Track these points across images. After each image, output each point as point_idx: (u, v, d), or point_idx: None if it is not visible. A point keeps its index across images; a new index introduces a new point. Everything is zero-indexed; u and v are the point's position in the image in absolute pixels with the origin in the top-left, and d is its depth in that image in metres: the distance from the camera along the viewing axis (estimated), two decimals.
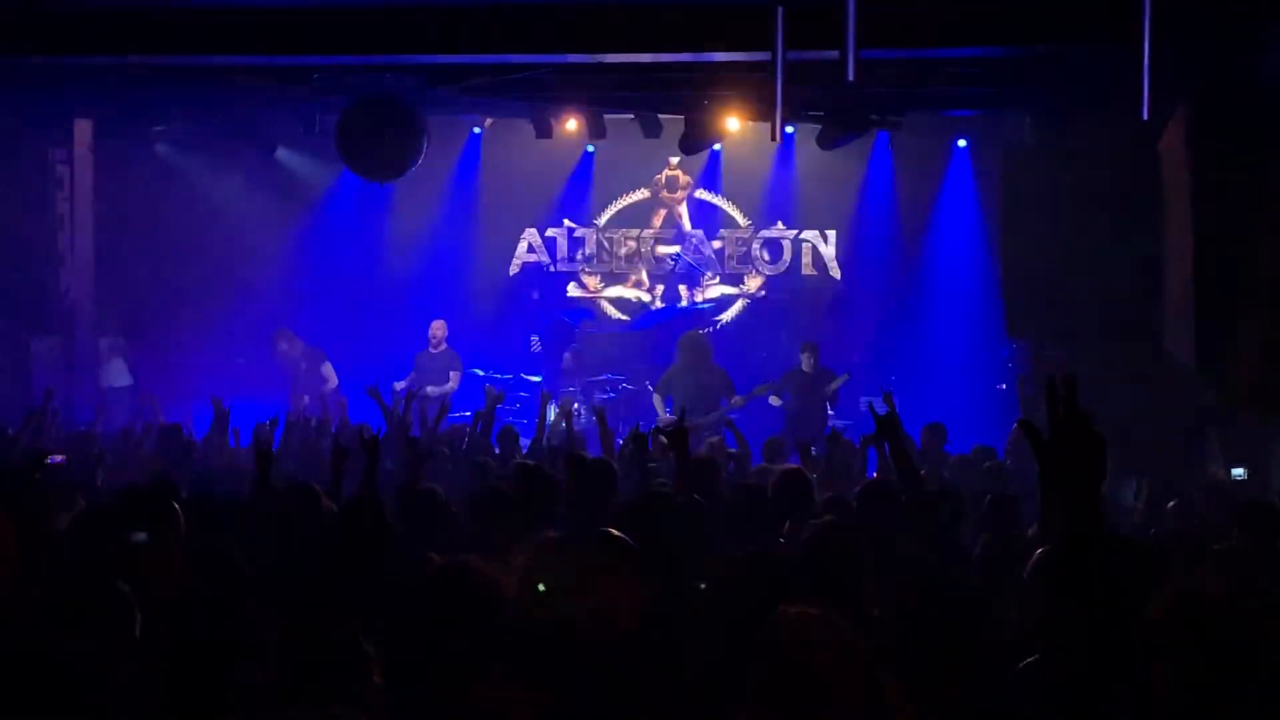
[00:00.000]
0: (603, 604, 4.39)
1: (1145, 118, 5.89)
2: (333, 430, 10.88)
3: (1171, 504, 8.67)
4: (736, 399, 13.50)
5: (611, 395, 15.19)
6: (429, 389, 13.92)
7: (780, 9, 6.70)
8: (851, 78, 5.49)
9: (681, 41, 10.24)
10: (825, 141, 14.16)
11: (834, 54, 6.07)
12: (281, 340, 15.14)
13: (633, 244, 17.46)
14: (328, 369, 14.92)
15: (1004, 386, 14.73)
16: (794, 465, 8.34)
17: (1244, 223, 7.98)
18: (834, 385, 13.50)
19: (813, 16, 6.81)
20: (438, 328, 15.41)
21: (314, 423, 11.24)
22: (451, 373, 15.09)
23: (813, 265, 17.27)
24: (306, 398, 14.07)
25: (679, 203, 17.43)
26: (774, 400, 13.59)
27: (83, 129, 14.66)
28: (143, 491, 6.57)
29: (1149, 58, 5.70)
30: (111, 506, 6.30)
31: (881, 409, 7.18)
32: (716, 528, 6.67)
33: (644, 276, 17.53)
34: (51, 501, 6.70)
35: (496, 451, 10.13)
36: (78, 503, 7.23)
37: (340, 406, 14.10)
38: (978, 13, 9.12)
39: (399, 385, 14.07)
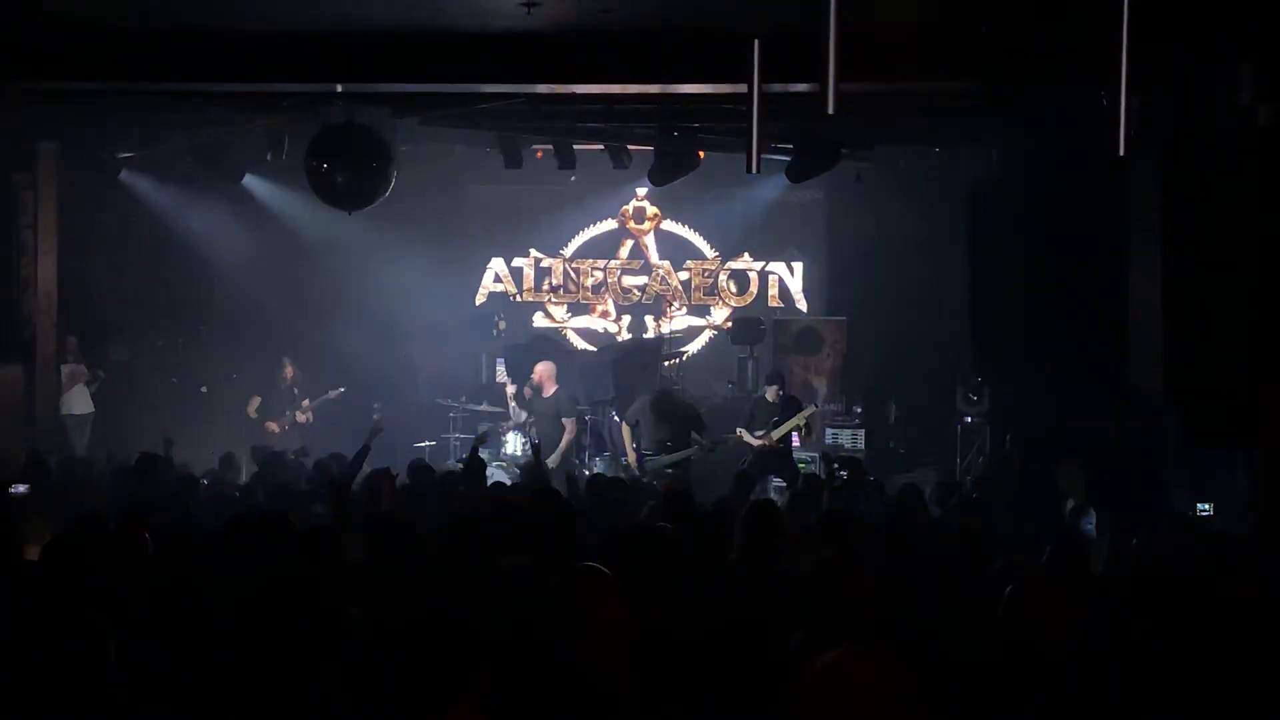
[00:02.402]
0: (586, 628, 4.38)
1: (1121, 154, 5.94)
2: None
3: (1135, 540, 8.71)
4: (704, 442, 13.30)
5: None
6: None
7: (756, 42, 6.73)
8: (832, 111, 5.51)
9: (654, 74, 10.27)
10: (794, 174, 14.19)
11: (805, 88, 6.11)
12: (289, 365, 15.10)
13: (599, 274, 17.48)
14: (307, 404, 14.92)
15: (970, 420, 14.76)
16: (763, 498, 8.39)
17: (1212, 257, 8.05)
18: (799, 417, 13.33)
19: (789, 50, 6.83)
20: (545, 373, 13.53)
21: (292, 455, 11.18)
22: (564, 420, 13.29)
23: (779, 297, 17.32)
24: (279, 425, 14.14)
25: (646, 234, 17.47)
26: (746, 438, 13.44)
27: (47, 155, 14.54)
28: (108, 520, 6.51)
29: (1125, 95, 5.75)
30: (81, 535, 6.21)
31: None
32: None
33: (610, 307, 17.54)
34: (19, 531, 6.60)
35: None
36: (45, 533, 7.12)
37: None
38: (950, 48, 9.17)
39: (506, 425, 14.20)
